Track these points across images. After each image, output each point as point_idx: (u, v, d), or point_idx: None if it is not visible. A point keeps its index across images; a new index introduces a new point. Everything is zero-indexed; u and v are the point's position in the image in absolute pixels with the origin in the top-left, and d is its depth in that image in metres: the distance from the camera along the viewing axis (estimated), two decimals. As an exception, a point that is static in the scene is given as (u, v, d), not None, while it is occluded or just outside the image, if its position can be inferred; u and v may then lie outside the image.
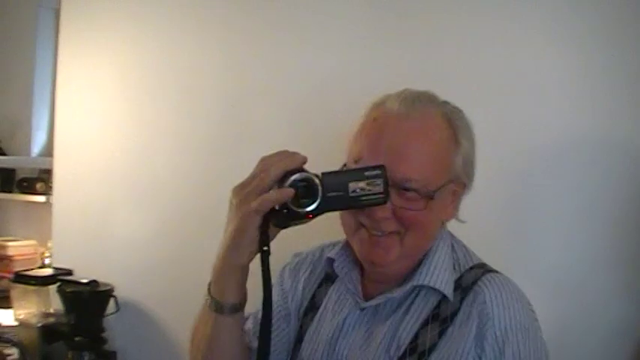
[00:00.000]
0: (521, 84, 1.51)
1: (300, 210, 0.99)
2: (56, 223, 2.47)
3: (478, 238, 1.21)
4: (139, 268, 2.20)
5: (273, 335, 1.12)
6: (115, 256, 2.26)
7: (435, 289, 1.09)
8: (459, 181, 1.13)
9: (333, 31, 1.79)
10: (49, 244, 2.91)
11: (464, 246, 1.18)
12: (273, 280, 1.06)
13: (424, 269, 1.11)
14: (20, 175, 3.61)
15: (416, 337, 1.07)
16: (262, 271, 1.00)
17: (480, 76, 1.55)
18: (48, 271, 2.39)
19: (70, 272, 2.30)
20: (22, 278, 2.33)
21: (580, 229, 1.46)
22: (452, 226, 1.19)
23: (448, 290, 1.09)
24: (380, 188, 1.00)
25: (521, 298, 1.09)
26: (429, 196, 1.06)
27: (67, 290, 2.16)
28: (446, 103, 1.15)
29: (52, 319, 2.26)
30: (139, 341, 2.21)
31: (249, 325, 1.24)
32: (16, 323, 2.31)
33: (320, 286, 1.25)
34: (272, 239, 1.02)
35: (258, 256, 1.01)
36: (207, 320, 1.12)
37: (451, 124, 1.12)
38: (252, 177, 1.01)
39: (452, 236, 1.19)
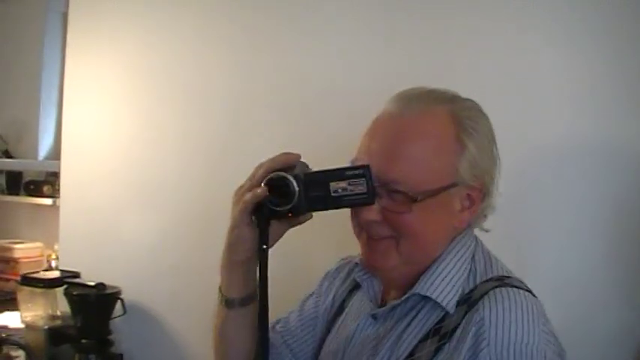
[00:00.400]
0: (522, 84, 1.50)
1: (278, 209, 1.02)
2: (63, 226, 2.48)
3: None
4: (146, 271, 2.20)
5: (301, 335, 1.23)
6: (122, 258, 2.26)
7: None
8: (469, 186, 1.05)
9: (339, 34, 1.79)
10: (56, 247, 2.91)
11: (490, 256, 1.09)
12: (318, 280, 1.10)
13: (425, 278, 1.04)
14: (27, 177, 3.61)
15: (413, 351, 1.01)
16: (259, 269, 1.06)
17: (480, 77, 1.54)
18: (55, 274, 2.39)
19: (77, 275, 2.31)
20: (29, 281, 2.33)
21: (580, 231, 1.44)
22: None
23: (448, 303, 1.01)
24: (363, 188, 0.99)
25: (533, 318, 0.94)
26: (414, 199, 1.00)
27: (74, 293, 2.16)
28: (458, 101, 1.09)
29: (58, 322, 2.26)
30: (145, 344, 2.20)
31: (280, 324, 1.29)
32: (22, 326, 2.31)
33: (351, 290, 1.24)
34: (277, 239, 1.08)
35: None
36: (218, 313, 1.18)
37: (457, 124, 1.04)
38: (247, 179, 1.07)
39: (478, 245, 1.10)
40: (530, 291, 1.01)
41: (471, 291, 1.01)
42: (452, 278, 1.03)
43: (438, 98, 1.08)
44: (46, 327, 2.22)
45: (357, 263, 1.19)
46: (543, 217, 1.48)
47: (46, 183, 3.46)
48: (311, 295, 1.32)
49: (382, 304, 1.13)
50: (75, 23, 2.49)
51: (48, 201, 3.34)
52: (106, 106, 2.36)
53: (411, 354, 1.00)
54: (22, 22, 3.77)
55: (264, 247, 1.04)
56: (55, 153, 3.34)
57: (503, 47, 1.53)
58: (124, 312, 2.16)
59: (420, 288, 1.03)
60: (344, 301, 1.24)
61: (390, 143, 1.04)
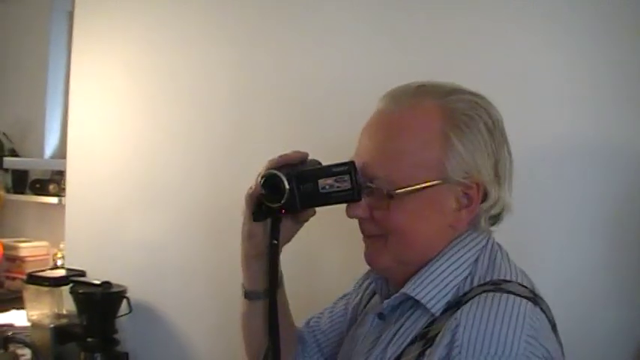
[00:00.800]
0: (521, 84, 1.50)
1: (271, 205, 1.05)
2: (69, 225, 2.49)
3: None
4: (152, 270, 2.21)
5: (329, 332, 1.28)
6: (127, 257, 2.27)
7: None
8: (464, 184, 1.00)
9: (342, 34, 1.79)
10: (62, 246, 2.92)
11: (495, 258, 1.02)
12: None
13: (414, 279, 1.01)
14: (33, 176, 3.62)
15: (400, 355, 0.98)
16: (269, 263, 1.09)
17: (480, 77, 1.53)
18: (61, 272, 2.40)
19: (82, 273, 2.32)
20: (34, 279, 2.34)
21: (580, 231, 1.44)
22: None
23: (434, 305, 0.97)
24: (347, 184, 1.01)
25: (515, 327, 0.86)
26: (390, 195, 0.99)
27: (80, 291, 2.16)
28: (456, 94, 1.04)
29: (64, 320, 2.26)
30: (151, 343, 2.21)
31: (314, 319, 1.33)
32: (28, 324, 2.32)
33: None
34: (289, 237, 1.14)
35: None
36: (242, 305, 1.22)
37: (447, 118, 1.00)
38: (258, 175, 1.09)
39: (487, 248, 1.04)
40: (533, 299, 0.94)
41: (465, 294, 0.96)
42: (442, 280, 0.99)
43: (430, 92, 1.05)
44: (51, 325, 2.22)
45: None
46: (543, 217, 1.47)
47: (52, 182, 3.48)
48: (345, 294, 1.34)
49: None
50: (81, 22, 2.50)
51: (54, 200, 3.36)
52: (111, 104, 2.37)
53: (398, 358, 0.98)
54: (27, 21, 3.78)
55: (275, 241, 1.08)
56: (61, 152, 3.36)
57: (503, 47, 1.53)
58: (130, 310, 2.16)
59: (407, 288, 1.01)
60: (370, 298, 1.25)
61: (376, 139, 1.04)
